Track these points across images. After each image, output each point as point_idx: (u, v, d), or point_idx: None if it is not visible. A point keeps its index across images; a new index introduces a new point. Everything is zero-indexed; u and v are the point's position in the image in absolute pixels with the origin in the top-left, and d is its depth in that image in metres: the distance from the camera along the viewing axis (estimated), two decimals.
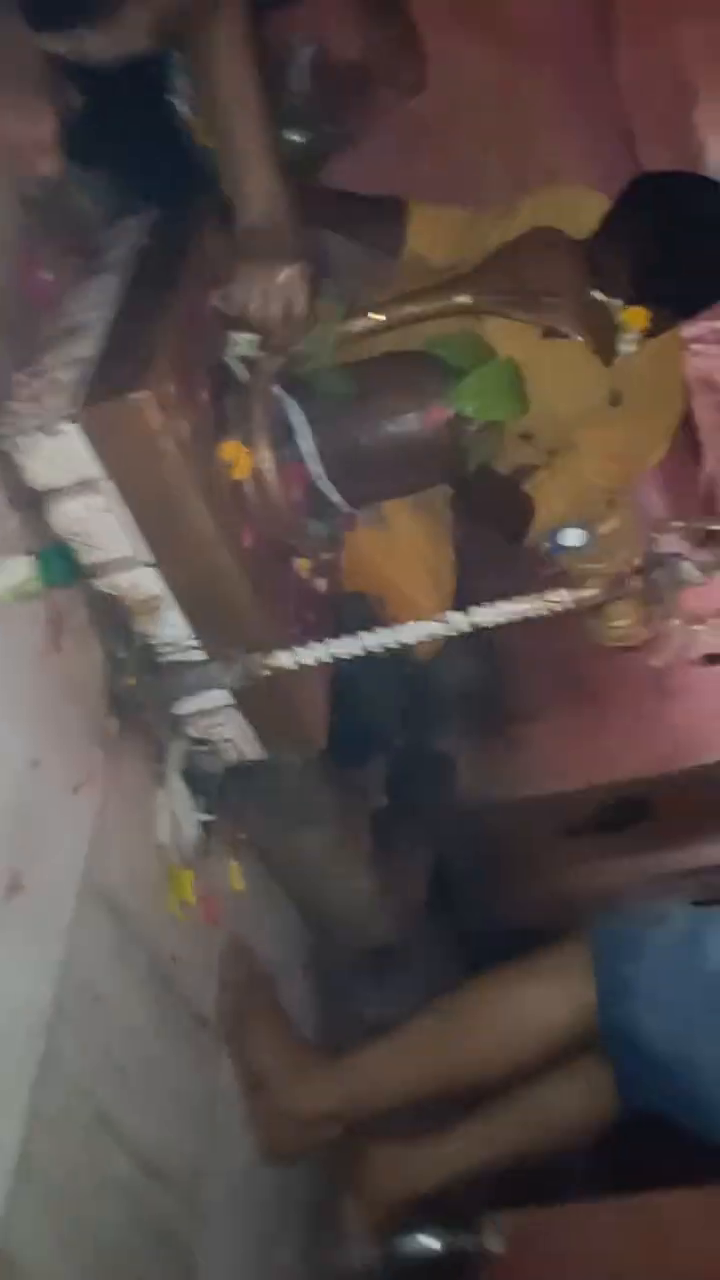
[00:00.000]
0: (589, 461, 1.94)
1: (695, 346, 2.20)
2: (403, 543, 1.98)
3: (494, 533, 2.08)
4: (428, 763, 2.31)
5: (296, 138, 1.77)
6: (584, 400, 1.89)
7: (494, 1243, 1.73)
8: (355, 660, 1.48)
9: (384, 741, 2.01)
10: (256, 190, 1.34)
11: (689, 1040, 1.36)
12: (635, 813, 2.60)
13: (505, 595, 1.30)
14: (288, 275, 1.33)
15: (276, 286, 1.34)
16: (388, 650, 1.35)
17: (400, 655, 1.84)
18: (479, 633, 1.37)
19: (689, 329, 2.16)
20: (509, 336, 1.58)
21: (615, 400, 1.91)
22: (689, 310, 1.80)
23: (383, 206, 1.89)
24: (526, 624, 1.47)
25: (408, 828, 2.13)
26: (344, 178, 2.22)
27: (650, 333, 1.72)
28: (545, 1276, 1.91)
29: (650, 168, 2.05)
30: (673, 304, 1.70)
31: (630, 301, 1.46)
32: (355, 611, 1.73)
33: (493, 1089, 1.45)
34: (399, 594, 1.95)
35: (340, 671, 1.68)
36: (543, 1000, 1.41)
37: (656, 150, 2.04)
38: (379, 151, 2.22)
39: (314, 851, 1.66)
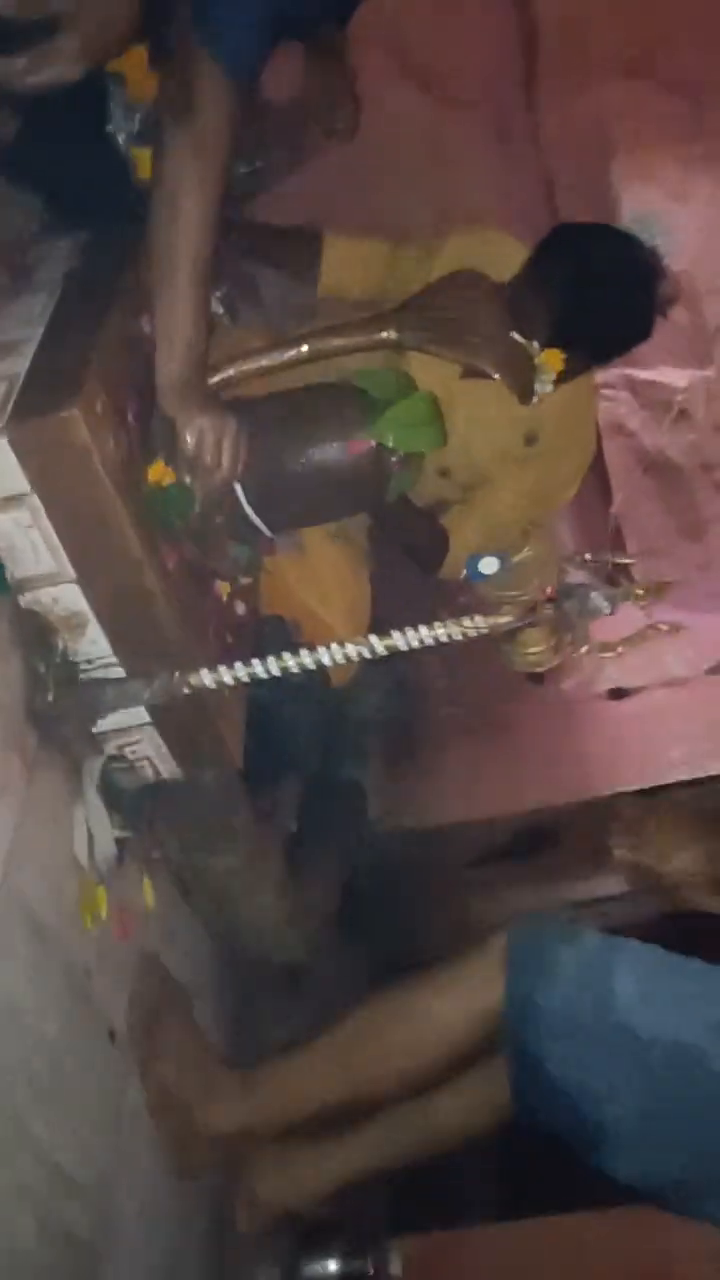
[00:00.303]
0: (503, 497, 2.00)
1: (607, 392, 2.28)
2: (321, 570, 2.01)
3: (410, 563, 2.14)
4: (339, 789, 2.33)
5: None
6: (500, 439, 1.96)
7: (394, 1266, 1.75)
8: (270, 684, 1.51)
9: (297, 766, 2.04)
10: (187, 339, 1.33)
11: (589, 1073, 1.36)
12: (542, 842, 2.65)
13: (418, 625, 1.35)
14: (234, 430, 1.36)
15: (228, 439, 1.36)
16: (305, 673, 1.38)
17: (315, 682, 1.88)
18: (393, 662, 1.40)
19: (602, 375, 2.25)
20: (430, 374, 1.63)
21: (531, 440, 1.99)
22: (602, 356, 1.88)
23: (300, 237, 1.93)
24: (439, 656, 1.52)
25: (319, 852, 2.15)
26: (266, 212, 2.29)
27: (565, 377, 1.79)
28: None
29: (567, 217, 2.14)
30: (587, 349, 1.77)
31: (547, 344, 1.52)
32: (273, 635, 1.76)
33: (400, 1097, 1.47)
34: (316, 620, 1.99)
35: (255, 696, 1.70)
36: (451, 1009, 1.42)
37: (574, 200, 2.13)
38: (304, 187, 2.29)
39: (226, 871, 1.67)
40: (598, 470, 2.45)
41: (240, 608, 1.66)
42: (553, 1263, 1.91)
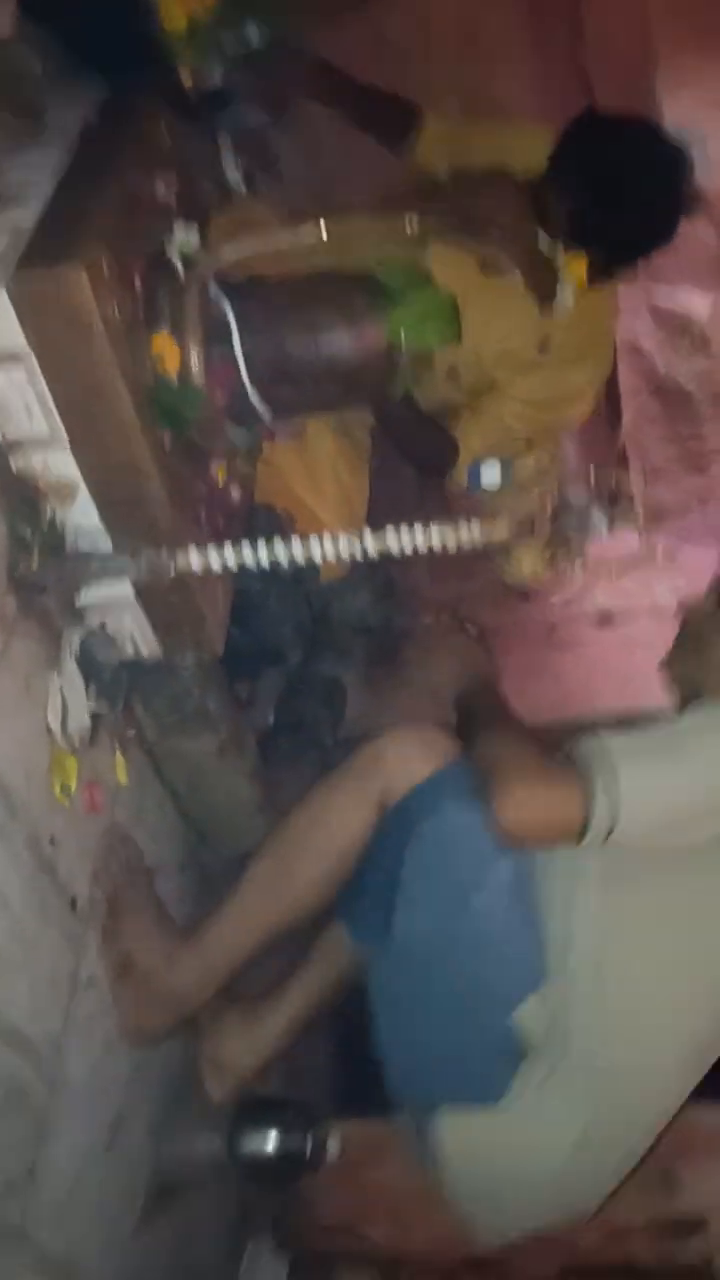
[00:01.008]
0: (510, 405, 1.96)
1: (626, 309, 2.22)
2: (319, 462, 1.99)
3: (414, 466, 2.11)
4: (320, 685, 2.34)
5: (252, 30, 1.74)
6: (513, 341, 1.91)
7: (332, 1147, 1.81)
8: (258, 575, 1.49)
9: (279, 657, 2.03)
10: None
11: (415, 879, 1.41)
12: None
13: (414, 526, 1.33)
14: None
15: None
16: (293, 566, 1.37)
17: (303, 576, 1.87)
18: (383, 565, 1.38)
19: (622, 292, 2.19)
20: (449, 269, 1.58)
21: (544, 348, 1.93)
22: (623, 255, 1.81)
23: (399, 106, 1.85)
24: (428, 565, 1.49)
25: (294, 744, 2.16)
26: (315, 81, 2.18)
27: (588, 281, 1.74)
28: (360, 1187, 2.02)
29: None
30: (607, 245, 1.71)
31: (571, 244, 1.47)
32: (264, 523, 1.74)
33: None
34: (309, 512, 1.97)
35: (242, 584, 1.69)
36: (349, 810, 1.47)
37: (613, 104, 2.04)
38: (349, 62, 2.19)
39: (199, 754, 1.68)
40: (610, 390, 2.41)
41: (236, 493, 1.63)
42: None
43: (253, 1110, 1.75)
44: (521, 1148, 1.44)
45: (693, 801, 1.36)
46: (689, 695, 1.54)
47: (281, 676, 2.17)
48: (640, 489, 2.62)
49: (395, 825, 1.43)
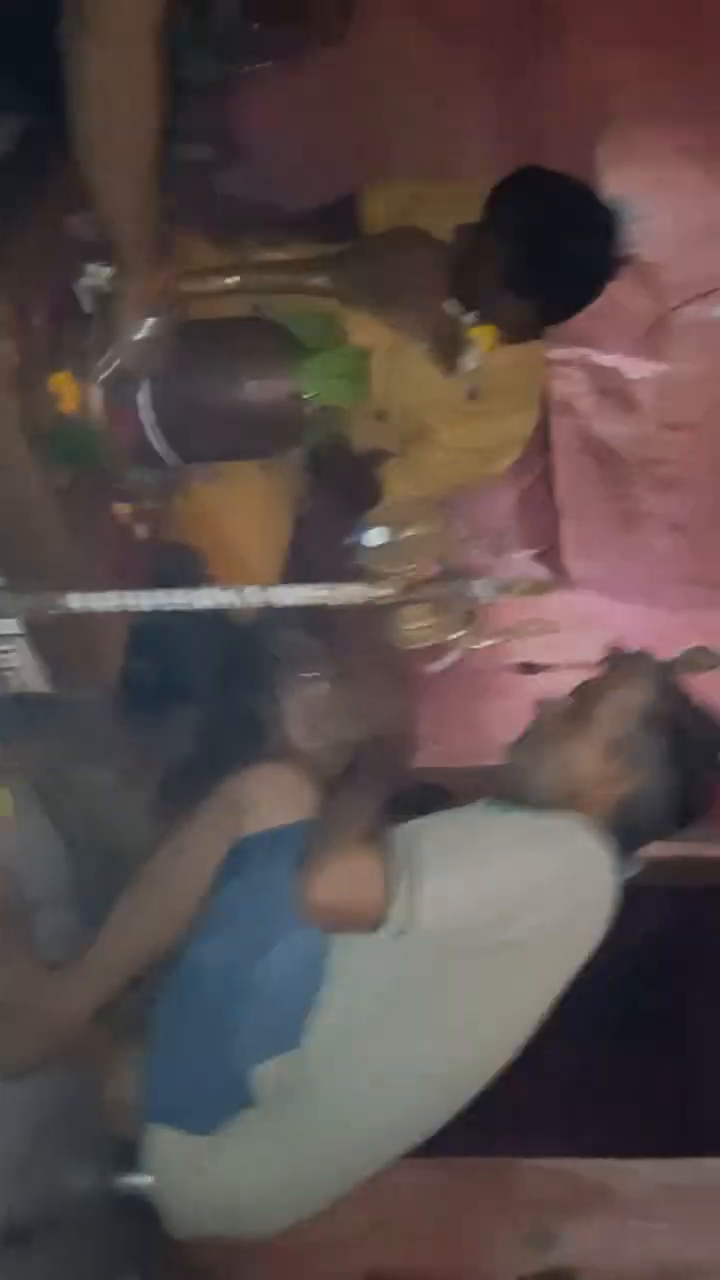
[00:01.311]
0: (437, 455, 1.98)
1: (561, 370, 2.25)
2: (245, 500, 1.99)
3: (340, 509, 2.11)
4: (238, 720, 2.33)
5: (211, 62, 1.76)
6: (440, 390, 1.92)
7: None
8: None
9: (185, 692, 2.02)
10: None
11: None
12: (432, 800, 2.67)
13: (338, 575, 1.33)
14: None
15: None
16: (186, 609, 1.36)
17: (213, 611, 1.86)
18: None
19: (559, 353, 2.22)
20: (371, 319, 1.59)
21: (472, 395, 1.94)
22: (552, 310, 1.83)
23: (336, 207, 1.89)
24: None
25: (207, 782, 2.15)
26: (270, 118, 2.21)
27: (512, 339, 1.76)
28: None
29: None
30: (537, 299, 1.73)
31: (483, 317, 1.48)
32: (173, 563, 1.73)
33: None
34: (230, 551, 1.96)
35: (150, 617, 1.68)
36: (208, 842, 1.49)
37: (560, 164, 2.07)
38: (306, 101, 2.22)
39: (91, 788, 1.67)
40: (544, 449, 2.43)
41: (141, 530, 1.63)
42: None
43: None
44: (218, 1176, 1.48)
45: (489, 912, 1.39)
46: (514, 789, 1.55)
47: (192, 709, 2.16)
48: (571, 545, 2.65)
49: (231, 856, 1.47)
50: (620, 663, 1.65)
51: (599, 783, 1.53)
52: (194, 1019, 1.47)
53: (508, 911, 1.39)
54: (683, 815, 1.58)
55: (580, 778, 1.53)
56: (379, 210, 1.85)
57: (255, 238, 1.78)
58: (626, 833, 1.53)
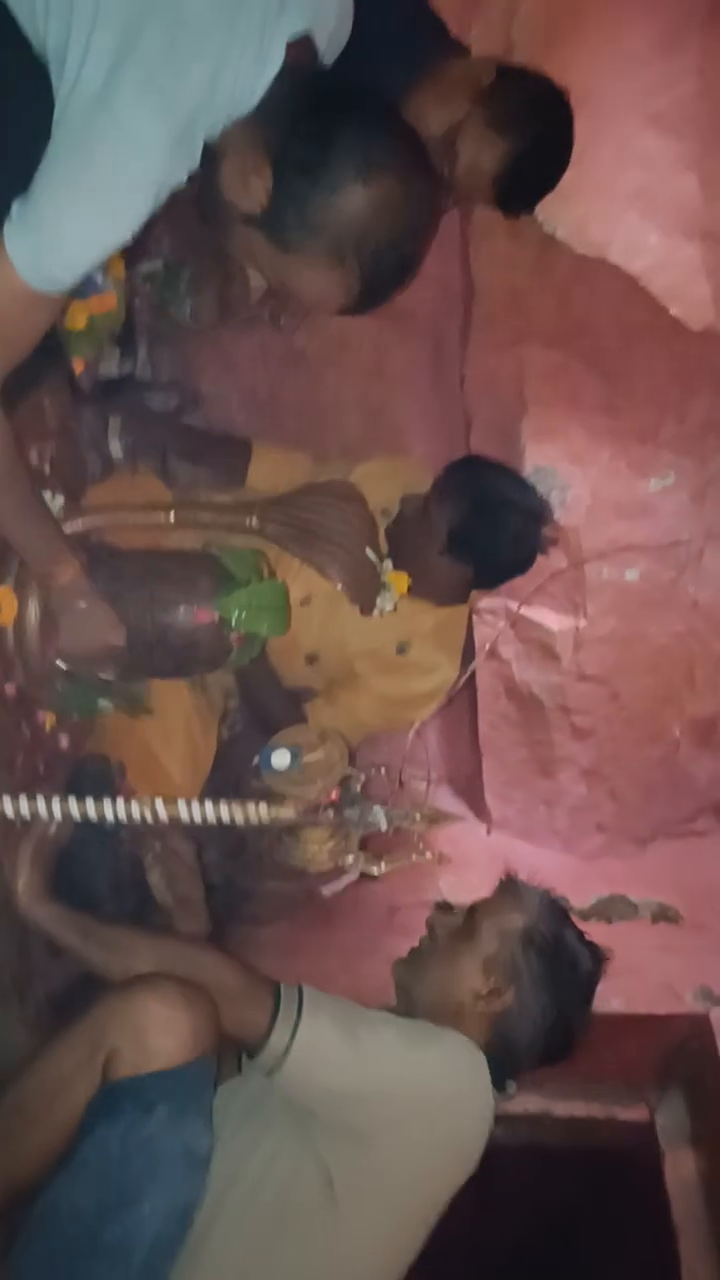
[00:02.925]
0: (364, 701, 2.08)
1: (488, 617, 2.39)
2: (172, 718, 2.05)
3: (260, 731, 2.18)
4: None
5: (174, 298, 1.95)
6: (373, 640, 2.06)
7: None
8: (79, 823, 1.51)
9: (94, 908, 2.01)
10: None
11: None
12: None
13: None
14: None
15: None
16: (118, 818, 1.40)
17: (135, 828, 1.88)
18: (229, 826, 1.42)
19: (486, 601, 2.36)
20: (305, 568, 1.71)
21: (401, 649, 2.08)
22: (484, 580, 2.05)
23: (231, 444, 2.06)
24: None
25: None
26: (218, 380, 2.42)
27: (443, 602, 1.92)
28: None
29: (479, 452, 2.30)
30: (471, 571, 1.92)
31: (398, 566, 1.61)
32: (92, 773, 1.77)
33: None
34: (152, 763, 2.01)
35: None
36: (76, 1080, 1.37)
37: (487, 438, 2.27)
38: (260, 371, 2.44)
39: None
40: (470, 690, 2.54)
41: (64, 740, 1.68)
42: None
43: None
44: None
45: (351, 1079, 1.41)
46: (401, 1006, 1.59)
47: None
48: (493, 786, 2.71)
49: (102, 1094, 1.36)
50: (511, 886, 1.71)
51: (476, 998, 1.57)
52: (51, 1267, 1.34)
53: (365, 1092, 1.40)
54: (556, 1043, 1.61)
55: (460, 993, 1.57)
56: (261, 470, 2.04)
57: (205, 479, 1.94)
58: (503, 1055, 1.55)
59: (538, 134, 1.66)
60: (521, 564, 2.03)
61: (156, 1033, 1.35)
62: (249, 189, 1.18)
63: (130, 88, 1.09)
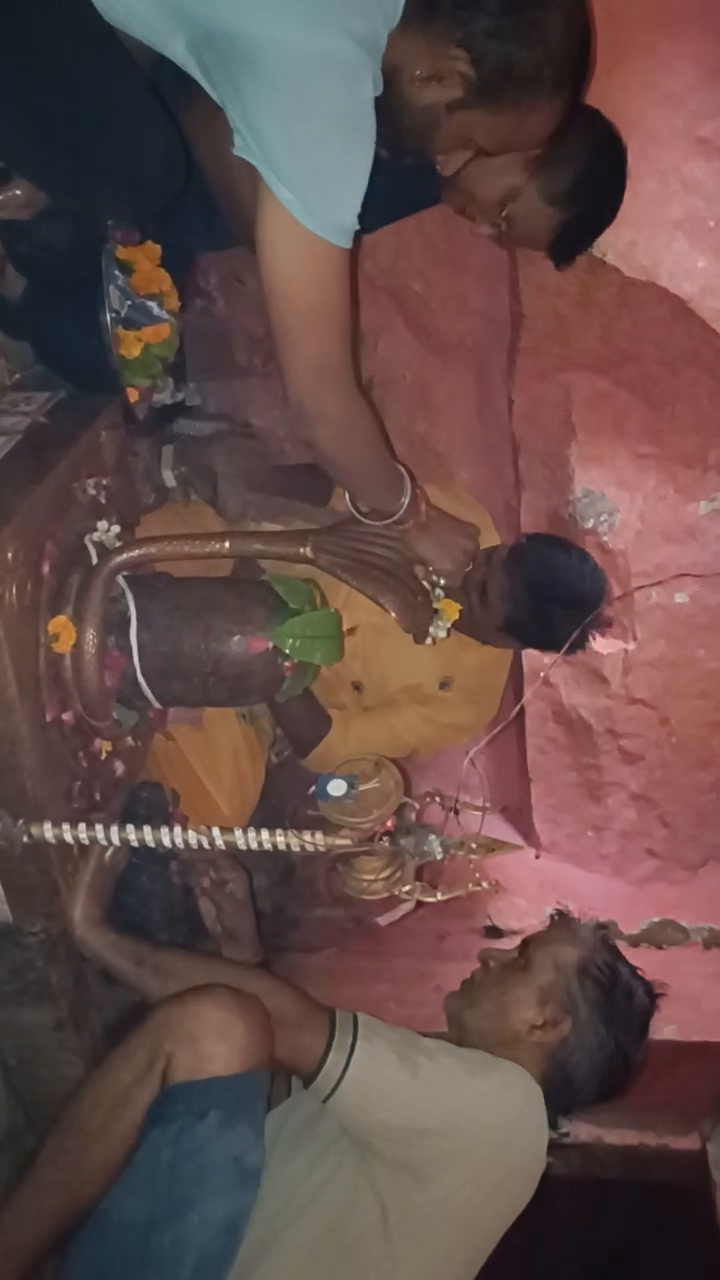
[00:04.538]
0: (404, 716, 2.09)
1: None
2: (219, 745, 2.06)
3: (288, 739, 2.19)
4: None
5: None
6: (418, 674, 2.07)
7: None
8: (132, 850, 1.51)
9: (148, 933, 2.01)
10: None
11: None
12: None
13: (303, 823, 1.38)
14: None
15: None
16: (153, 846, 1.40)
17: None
18: (283, 852, 1.43)
19: None
20: (367, 602, 1.72)
21: (444, 685, 2.09)
22: (537, 644, 2.12)
23: (318, 474, 2.09)
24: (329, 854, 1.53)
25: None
26: (265, 412, 2.43)
27: (494, 644, 1.96)
28: None
29: (527, 476, 2.30)
30: (526, 640, 2.03)
31: (449, 595, 1.62)
32: (147, 800, 1.78)
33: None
34: (201, 792, 2.02)
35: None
36: (134, 1092, 1.39)
37: (534, 463, 2.28)
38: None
39: (33, 1028, 1.64)
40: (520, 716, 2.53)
41: (119, 767, 1.68)
42: None
43: None
44: None
45: (404, 1111, 1.42)
46: (455, 1038, 1.59)
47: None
48: (541, 810, 2.70)
49: (157, 1100, 1.37)
50: (565, 920, 1.73)
51: (531, 1029, 1.57)
52: (103, 1277, 1.35)
53: (423, 1123, 1.41)
54: (613, 1077, 1.61)
55: (514, 1022, 1.58)
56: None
57: (254, 508, 1.96)
58: (559, 1087, 1.56)
59: (590, 197, 1.70)
60: (575, 647, 2.05)
61: (211, 1037, 1.36)
62: (445, 80, 1.25)
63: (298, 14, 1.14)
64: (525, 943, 1.70)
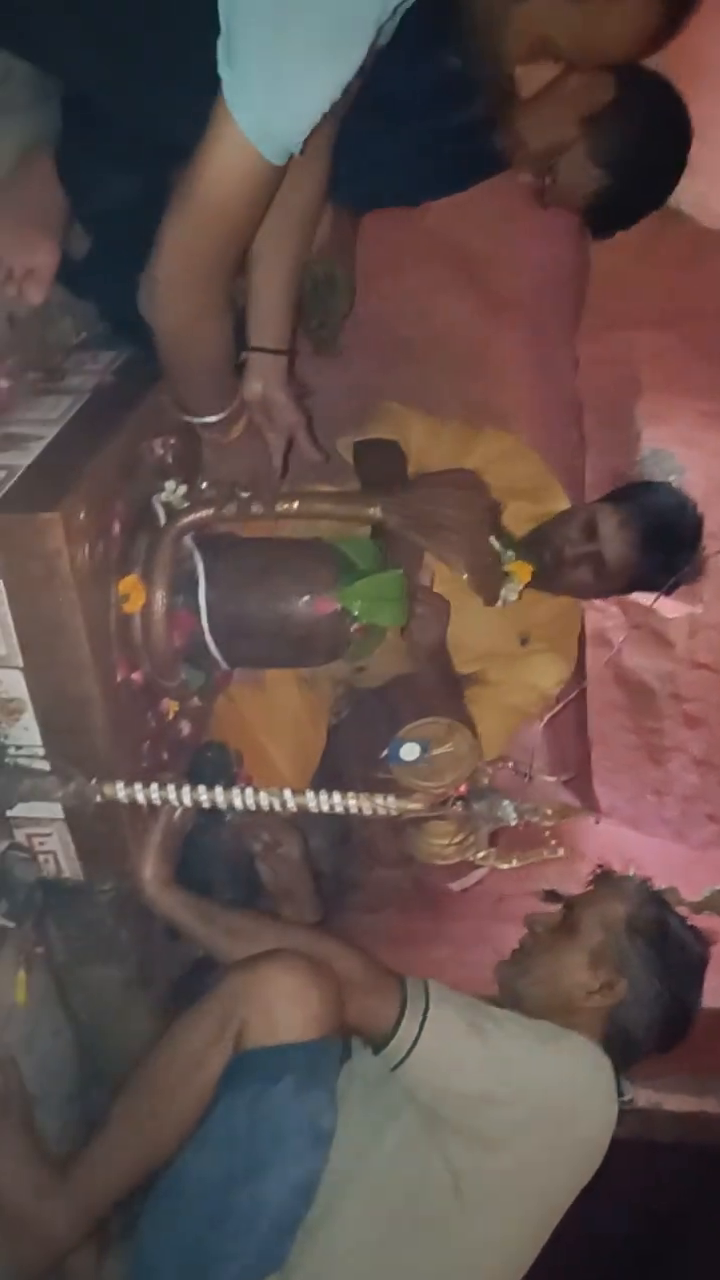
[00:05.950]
0: (516, 694, 2.09)
1: (597, 603, 2.35)
2: (279, 707, 2.06)
3: (373, 724, 2.18)
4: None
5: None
6: (495, 638, 2.05)
7: None
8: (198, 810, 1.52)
9: (212, 894, 2.03)
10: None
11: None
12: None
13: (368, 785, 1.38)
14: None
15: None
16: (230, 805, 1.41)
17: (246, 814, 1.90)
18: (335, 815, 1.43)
19: None
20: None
21: (524, 640, 2.07)
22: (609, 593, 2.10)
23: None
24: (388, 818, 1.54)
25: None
26: (322, 372, 2.41)
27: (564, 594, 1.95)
28: None
29: (592, 435, 2.26)
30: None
31: (521, 557, 1.60)
32: (211, 760, 1.78)
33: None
34: (262, 754, 2.02)
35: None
36: (207, 1051, 1.40)
37: (599, 423, 2.24)
38: (363, 362, 2.42)
39: (103, 984, 1.66)
40: (579, 676, 2.51)
41: (185, 727, 1.69)
42: None
43: None
44: None
45: (478, 1080, 1.42)
46: (509, 1006, 1.58)
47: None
48: (601, 774, 2.68)
49: (231, 1065, 1.39)
50: (607, 878, 1.72)
51: (588, 993, 1.56)
52: (177, 1234, 1.39)
53: (494, 1091, 1.41)
54: (672, 1027, 1.61)
55: (569, 987, 1.57)
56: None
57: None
58: (621, 1047, 1.55)
59: (638, 171, 1.65)
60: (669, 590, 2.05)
61: (285, 1004, 1.37)
62: None
63: None
64: (569, 905, 1.68)
